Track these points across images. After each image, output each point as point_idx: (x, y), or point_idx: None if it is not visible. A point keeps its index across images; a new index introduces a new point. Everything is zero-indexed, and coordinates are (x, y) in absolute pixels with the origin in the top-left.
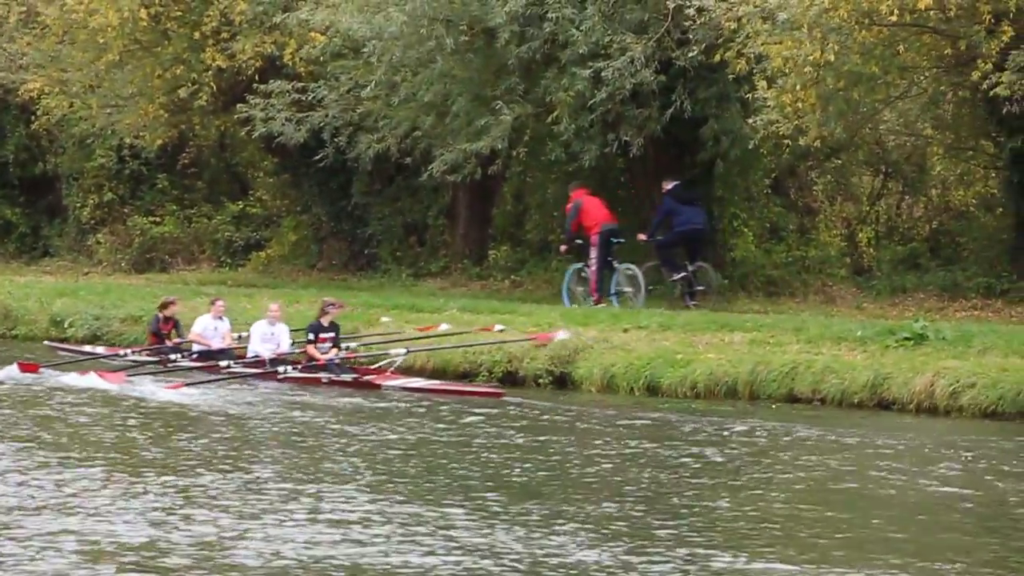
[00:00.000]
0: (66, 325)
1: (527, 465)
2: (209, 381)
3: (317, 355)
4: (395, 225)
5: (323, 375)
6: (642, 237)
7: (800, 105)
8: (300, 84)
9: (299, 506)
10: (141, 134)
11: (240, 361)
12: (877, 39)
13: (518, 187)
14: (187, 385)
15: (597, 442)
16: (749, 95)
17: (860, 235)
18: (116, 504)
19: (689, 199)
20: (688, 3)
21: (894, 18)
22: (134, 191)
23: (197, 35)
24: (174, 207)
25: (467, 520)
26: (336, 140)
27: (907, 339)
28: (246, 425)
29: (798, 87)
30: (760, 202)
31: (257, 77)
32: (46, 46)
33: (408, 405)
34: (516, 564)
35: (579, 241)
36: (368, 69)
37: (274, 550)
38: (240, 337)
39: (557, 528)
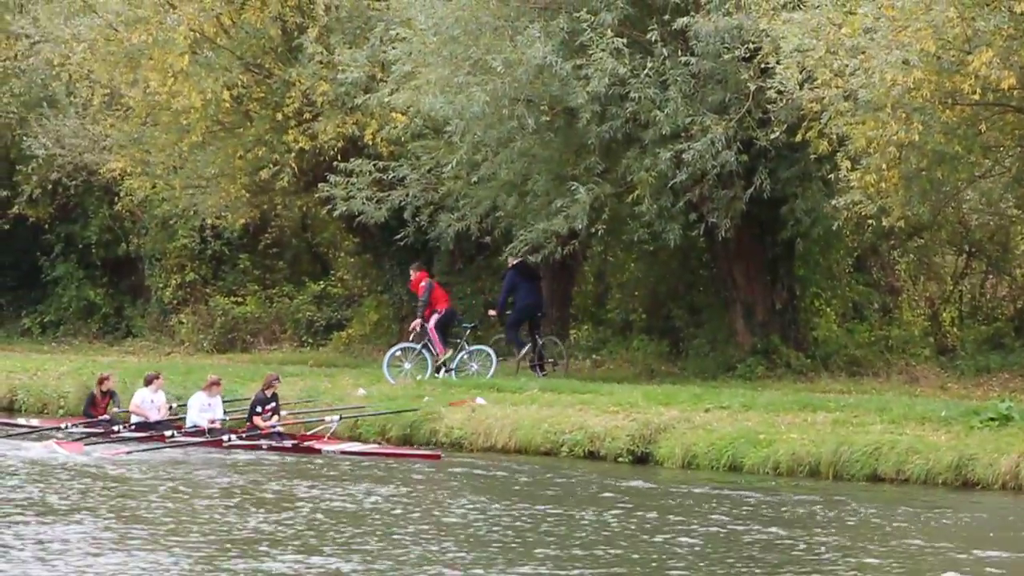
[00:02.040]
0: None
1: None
2: (160, 448)
3: (262, 424)
4: (476, 304)
5: (264, 442)
6: (492, 313)
7: (884, 185)
8: (381, 163)
9: None
10: (223, 215)
11: (182, 431)
12: (960, 118)
13: (599, 266)
14: (140, 451)
15: (680, 519)
16: (832, 175)
17: (944, 314)
18: None
19: (531, 275)
20: (769, 84)
21: (976, 97)
22: (216, 271)
23: (279, 116)
24: (256, 287)
25: None
26: (417, 219)
27: (992, 419)
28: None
29: (883, 167)
30: (842, 281)
31: (339, 157)
32: (129, 127)
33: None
34: None
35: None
36: (449, 149)
37: None
38: (172, 408)
39: None
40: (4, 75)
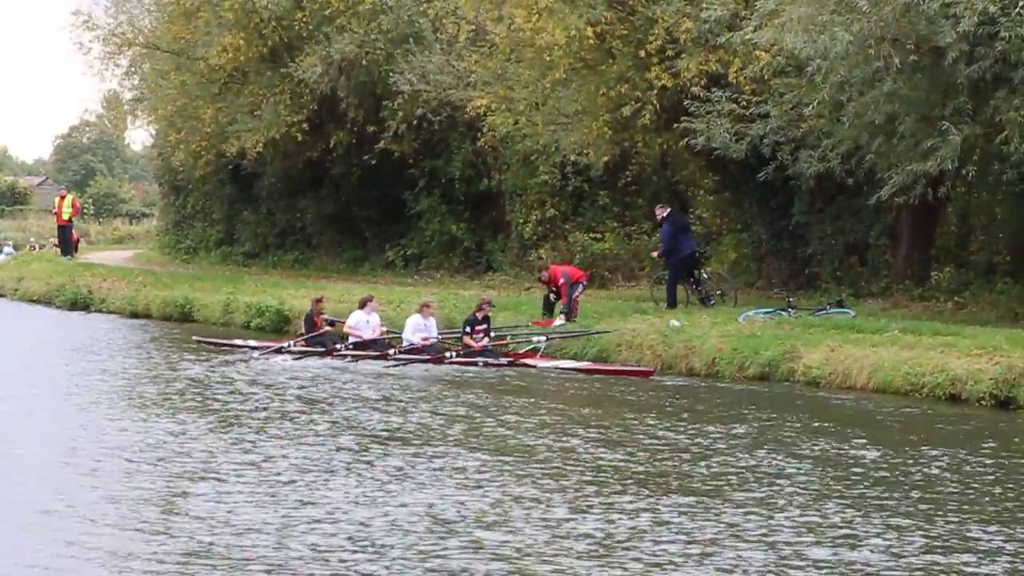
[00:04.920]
0: (507, 340)
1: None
2: (395, 364)
3: (473, 343)
4: (836, 245)
5: (480, 360)
6: (655, 254)
7: None
8: (742, 97)
9: None
10: (585, 151)
11: (400, 350)
12: None
13: (963, 207)
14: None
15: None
16: None
17: None
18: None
19: (685, 226)
20: None
21: None
22: (576, 207)
23: (642, 54)
24: (614, 224)
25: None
26: (778, 156)
27: None
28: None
29: None
30: None
31: (701, 95)
32: (493, 64)
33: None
34: None
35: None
36: (812, 87)
37: None
38: (385, 329)
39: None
40: (372, 12)
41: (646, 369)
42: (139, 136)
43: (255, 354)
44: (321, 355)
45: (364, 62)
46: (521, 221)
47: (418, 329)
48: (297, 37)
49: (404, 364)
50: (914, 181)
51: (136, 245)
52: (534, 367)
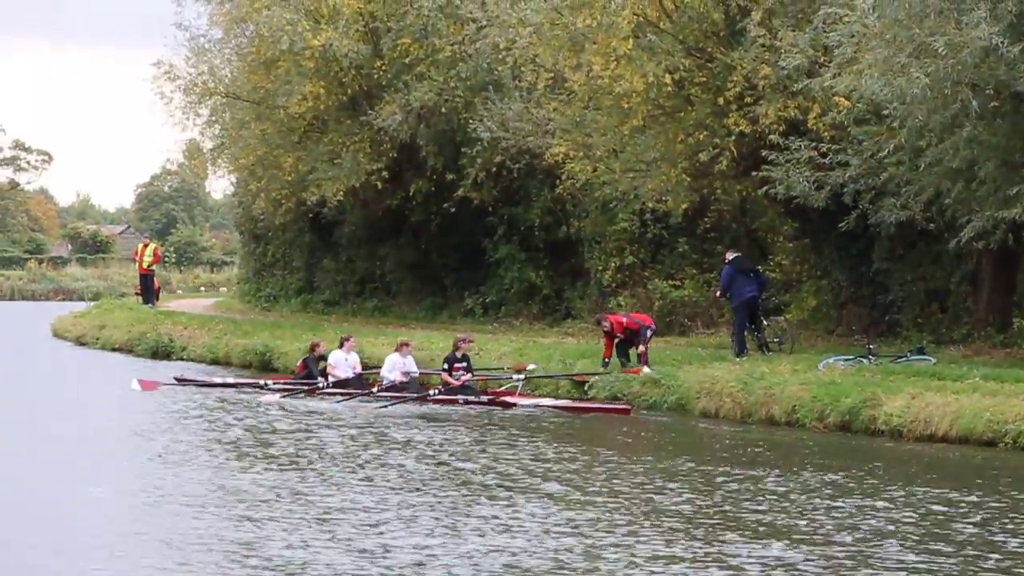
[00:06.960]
0: (586, 387)
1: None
2: (391, 402)
3: (453, 381)
4: (917, 291)
5: (460, 396)
6: (717, 294)
7: None
8: (821, 145)
9: None
10: (663, 198)
11: (380, 388)
12: None
13: None
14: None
15: None
16: None
17: None
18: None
19: (747, 269)
20: None
21: None
22: (655, 255)
23: (720, 100)
24: (694, 271)
25: None
26: (859, 205)
27: None
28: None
29: None
30: None
31: (779, 143)
32: (572, 111)
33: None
34: None
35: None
36: (891, 134)
37: None
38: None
39: None
40: (452, 59)
41: (623, 407)
42: (220, 185)
43: (237, 392)
44: (305, 394)
45: (443, 110)
46: (600, 268)
47: (396, 367)
48: (376, 85)
49: (394, 404)
50: (994, 226)
51: (217, 293)
52: (515, 404)
